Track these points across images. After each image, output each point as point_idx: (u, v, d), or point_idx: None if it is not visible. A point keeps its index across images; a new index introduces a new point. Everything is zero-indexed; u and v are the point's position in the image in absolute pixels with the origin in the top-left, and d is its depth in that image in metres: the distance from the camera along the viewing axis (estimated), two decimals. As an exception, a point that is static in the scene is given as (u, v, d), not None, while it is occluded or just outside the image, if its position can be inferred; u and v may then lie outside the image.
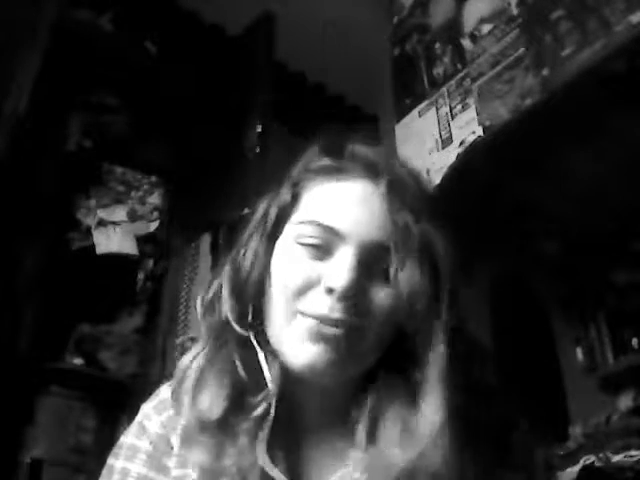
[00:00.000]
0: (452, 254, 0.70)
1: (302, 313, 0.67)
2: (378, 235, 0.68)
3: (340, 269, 0.66)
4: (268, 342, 0.69)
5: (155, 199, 2.41)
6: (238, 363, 0.68)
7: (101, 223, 2.25)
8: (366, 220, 0.69)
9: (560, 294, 2.41)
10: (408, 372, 0.66)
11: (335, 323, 0.65)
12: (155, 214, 2.38)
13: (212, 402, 0.67)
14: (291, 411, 0.70)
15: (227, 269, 0.73)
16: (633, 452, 1.85)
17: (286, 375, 0.68)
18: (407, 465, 0.61)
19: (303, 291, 0.67)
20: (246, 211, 1.88)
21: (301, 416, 0.71)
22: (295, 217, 0.72)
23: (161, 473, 0.69)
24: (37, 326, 2.00)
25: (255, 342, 0.69)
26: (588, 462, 1.86)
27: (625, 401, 2.12)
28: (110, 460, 0.73)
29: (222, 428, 0.66)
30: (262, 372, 0.68)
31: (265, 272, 0.71)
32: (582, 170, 1.89)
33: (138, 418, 0.75)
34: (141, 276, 2.29)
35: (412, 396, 0.65)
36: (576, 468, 1.84)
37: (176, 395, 0.71)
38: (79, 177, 2.29)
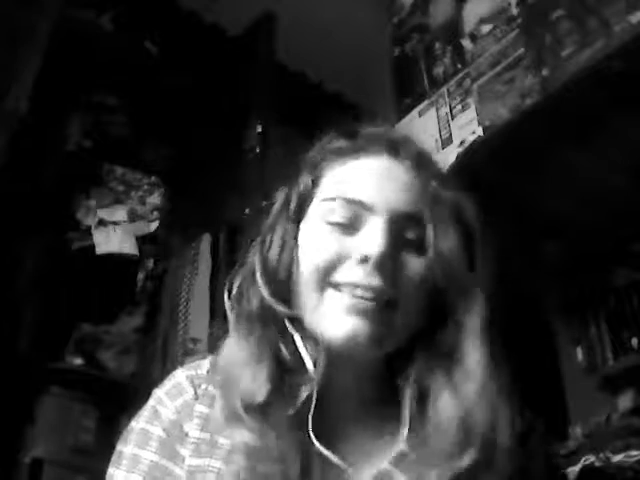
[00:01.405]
0: (481, 220, 0.71)
1: (335, 286, 0.66)
2: (406, 205, 0.68)
3: (373, 237, 0.66)
4: (302, 327, 0.68)
5: (155, 199, 2.41)
6: (282, 346, 0.67)
7: (101, 223, 2.25)
8: (393, 191, 0.69)
9: (560, 294, 2.41)
10: (447, 342, 0.66)
11: (371, 292, 0.64)
12: (155, 214, 2.38)
13: (257, 384, 0.65)
14: (329, 395, 0.69)
15: (257, 257, 0.72)
16: (633, 452, 1.85)
17: (322, 354, 0.67)
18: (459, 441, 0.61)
19: (334, 266, 0.67)
20: (248, 212, 1.88)
21: (336, 393, 0.70)
22: (319, 197, 0.72)
23: (173, 461, 0.67)
24: (37, 326, 2.00)
25: (291, 327, 0.68)
26: (588, 462, 1.86)
27: (625, 401, 2.12)
28: (120, 445, 0.71)
29: (266, 411, 0.64)
30: (299, 357, 0.67)
31: (294, 255, 0.70)
32: (582, 170, 1.89)
33: (151, 402, 0.73)
34: (141, 276, 2.29)
35: (453, 365, 0.65)
36: (576, 468, 1.84)
37: (221, 383, 0.69)
38: (79, 177, 2.29)
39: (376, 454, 0.67)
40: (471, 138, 1.80)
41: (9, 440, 1.87)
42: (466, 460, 0.60)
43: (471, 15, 1.95)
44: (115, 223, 2.27)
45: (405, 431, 0.65)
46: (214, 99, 2.45)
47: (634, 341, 2.18)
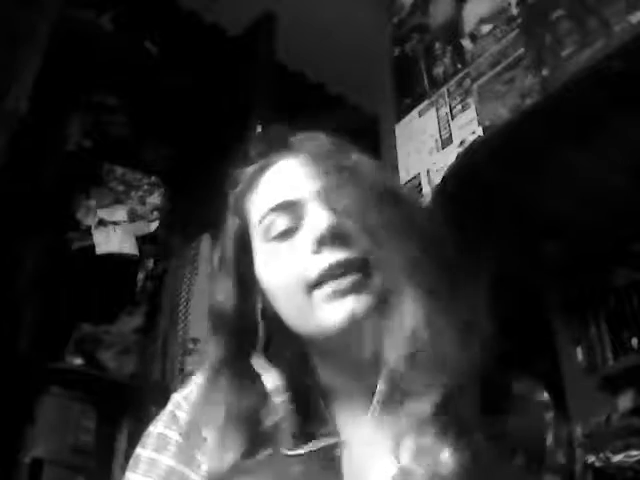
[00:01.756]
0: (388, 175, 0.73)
1: (313, 285, 0.66)
2: (325, 182, 0.70)
3: (314, 219, 0.68)
4: (269, 355, 0.70)
5: (155, 199, 2.41)
6: (239, 393, 0.68)
7: (101, 223, 2.25)
8: (306, 179, 0.71)
9: (560, 294, 2.41)
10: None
11: (343, 266, 0.65)
12: (155, 214, 2.38)
13: (230, 444, 0.66)
14: (314, 375, 0.70)
15: (209, 316, 0.74)
16: (633, 452, 1.85)
17: (307, 349, 0.68)
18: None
19: (300, 266, 0.67)
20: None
21: (325, 378, 0.71)
22: (253, 225, 0.73)
23: (190, 466, 0.67)
24: (37, 326, 2.00)
25: (256, 360, 0.69)
26: (588, 462, 1.86)
27: (625, 401, 2.12)
28: (137, 449, 0.71)
29: (248, 460, 0.64)
30: (266, 390, 0.67)
31: (248, 294, 0.71)
32: (582, 170, 1.89)
33: (169, 407, 0.73)
34: (141, 276, 2.29)
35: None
36: (576, 468, 1.84)
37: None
38: (79, 177, 2.29)
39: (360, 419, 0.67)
40: (471, 138, 1.80)
41: (9, 440, 1.87)
42: (433, 395, 0.61)
43: (471, 15, 1.95)
44: (115, 223, 2.27)
45: (381, 389, 0.65)
46: (214, 99, 2.45)
47: (634, 341, 2.18)
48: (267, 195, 0.73)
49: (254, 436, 0.66)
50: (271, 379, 0.68)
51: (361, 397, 0.68)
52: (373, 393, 0.67)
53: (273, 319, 0.71)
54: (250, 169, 0.78)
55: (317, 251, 0.66)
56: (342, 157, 0.73)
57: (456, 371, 0.61)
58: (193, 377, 0.75)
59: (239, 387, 0.68)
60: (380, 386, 0.66)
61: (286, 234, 0.69)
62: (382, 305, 0.66)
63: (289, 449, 0.64)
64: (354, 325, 0.65)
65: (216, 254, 0.78)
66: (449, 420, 0.61)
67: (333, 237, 0.66)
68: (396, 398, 0.64)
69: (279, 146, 0.77)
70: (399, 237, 0.66)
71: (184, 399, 0.72)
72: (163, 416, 0.72)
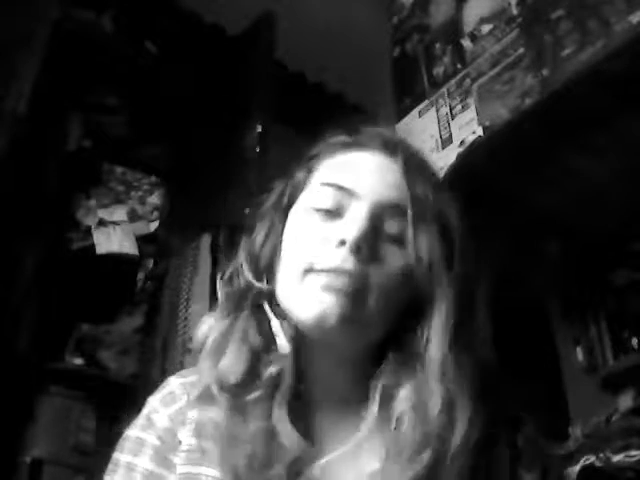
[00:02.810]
0: (464, 228, 0.73)
1: (313, 270, 0.67)
2: (393, 197, 0.70)
3: (352, 222, 0.68)
4: (281, 310, 0.70)
5: (155, 199, 2.41)
6: (252, 329, 0.69)
7: (101, 223, 2.25)
8: (380, 183, 0.71)
9: (560, 294, 2.41)
10: (416, 344, 0.67)
11: (345, 275, 0.66)
12: (155, 214, 2.38)
13: (231, 364, 0.67)
14: (305, 380, 0.70)
15: (244, 242, 0.76)
16: (633, 452, 1.85)
17: (300, 341, 0.68)
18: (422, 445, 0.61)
19: (315, 249, 0.68)
20: (248, 211, 1.88)
21: (314, 385, 0.71)
22: (310, 186, 0.74)
23: (167, 469, 0.68)
24: (37, 326, 2.00)
25: (268, 307, 0.70)
26: (588, 462, 1.86)
27: (625, 401, 2.12)
28: (115, 454, 0.72)
29: (240, 390, 0.66)
30: (275, 338, 0.68)
31: (278, 242, 0.73)
32: (582, 170, 1.89)
33: (145, 411, 0.74)
34: (141, 276, 2.29)
35: (418, 367, 0.66)
36: (576, 468, 1.84)
37: (197, 359, 0.72)
38: (79, 177, 2.29)
39: (337, 442, 0.67)
40: (471, 138, 1.80)
41: (9, 440, 1.87)
42: (422, 461, 0.61)
43: (471, 15, 1.95)
44: (115, 223, 2.27)
45: (366, 426, 0.65)
46: (214, 99, 2.45)
47: (634, 341, 2.18)
48: (336, 171, 0.74)
49: (253, 373, 0.67)
50: (279, 326, 0.69)
51: (343, 406, 0.69)
52: (358, 413, 0.67)
53: None
54: (343, 139, 0.77)
55: (337, 247, 0.67)
56: (420, 183, 0.72)
57: (450, 439, 0.61)
58: (169, 380, 0.76)
59: (255, 320, 0.70)
60: (367, 423, 0.66)
61: (326, 213, 0.70)
62: (362, 329, 0.67)
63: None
64: (326, 325, 0.65)
65: (273, 194, 0.78)
66: None
67: (358, 246, 0.66)
68: (382, 446, 0.64)
69: (385, 139, 0.76)
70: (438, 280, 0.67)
71: (159, 402, 0.73)
72: (139, 420, 0.73)
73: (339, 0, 2.63)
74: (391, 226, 0.69)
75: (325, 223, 0.70)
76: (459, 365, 0.65)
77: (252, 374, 0.67)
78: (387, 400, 0.66)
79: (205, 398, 0.68)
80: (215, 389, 0.67)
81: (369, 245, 0.67)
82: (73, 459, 1.96)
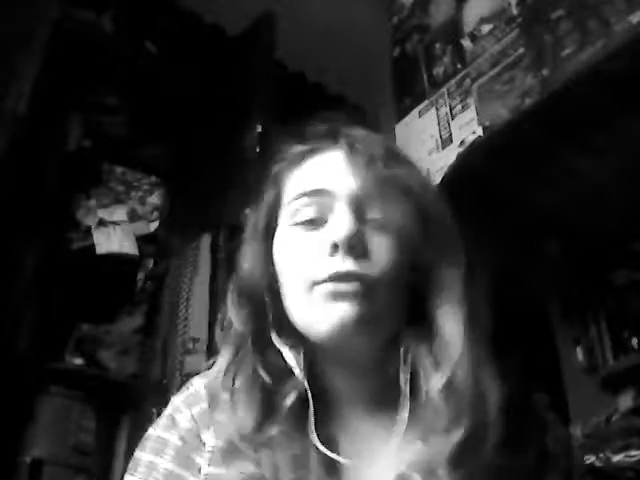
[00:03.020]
0: (437, 193, 0.74)
1: (317, 282, 0.67)
2: (362, 187, 0.70)
3: (337, 222, 0.68)
4: (289, 337, 0.69)
5: (155, 199, 2.41)
6: (259, 366, 0.68)
7: (101, 223, 2.25)
8: (349, 176, 0.71)
9: (560, 294, 2.41)
10: (428, 318, 0.67)
11: (349, 277, 0.65)
12: (155, 214, 2.38)
13: (245, 412, 0.66)
14: (329, 395, 0.70)
15: (232, 283, 0.74)
16: (633, 452, 1.85)
17: (314, 358, 0.68)
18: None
19: (312, 262, 0.68)
20: (247, 212, 1.88)
21: (339, 398, 0.70)
22: (284, 204, 0.74)
23: (189, 470, 0.67)
24: (37, 326, 2.00)
25: (276, 337, 0.69)
26: (588, 462, 1.86)
27: (625, 401, 2.12)
28: (137, 452, 0.71)
29: (260, 434, 0.65)
30: (287, 367, 0.67)
31: (270, 269, 0.72)
32: (582, 170, 1.89)
33: (168, 410, 0.73)
34: (141, 276, 2.29)
35: (434, 340, 0.66)
36: (575, 467, 1.84)
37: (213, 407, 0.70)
38: (79, 177, 2.29)
39: (377, 446, 0.67)
40: (471, 138, 1.80)
41: (9, 440, 1.87)
42: (459, 433, 0.61)
43: (471, 15, 1.95)
44: (115, 223, 2.27)
45: (404, 418, 0.65)
46: (214, 99, 2.45)
47: (634, 341, 2.18)
48: (305, 178, 0.73)
49: (270, 411, 0.66)
50: (292, 356, 0.68)
51: (381, 426, 0.68)
52: (389, 414, 0.66)
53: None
54: (299, 148, 0.77)
55: (331, 254, 0.67)
56: (390, 165, 0.72)
57: (484, 409, 0.61)
58: (193, 380, 0.75)
59: (260, 356, 0.69)
60: (402, 414, 0.65)
61: (310, 224, 0.70)
62: (378, 323, 0.66)
63: (311, 436, 0.64)
64: (345, 331, 0.65)
65: (249, 222, 0.78)
66: (464, 464, 0.60)
67: (350, 246, 0.66)
68: (418, 431, 0.64)
69: (334, 135, 0.76)
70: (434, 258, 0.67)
71: (183, 402, 0.72)
72: (162, 419, 0.72)
73: (339, 0, 2.63)
74: (373, 213, 0.69)
75: (312, 233, 0.69)
76: (475, 337, 0.65)
77: (270, 412, 0.66)
78: (416, 396, 0.65)
79: (231, 452, 0.66)
80: (237, 441, 0.65)
81: (360, 240, 0.67)
82: (73, 459, 1.96)
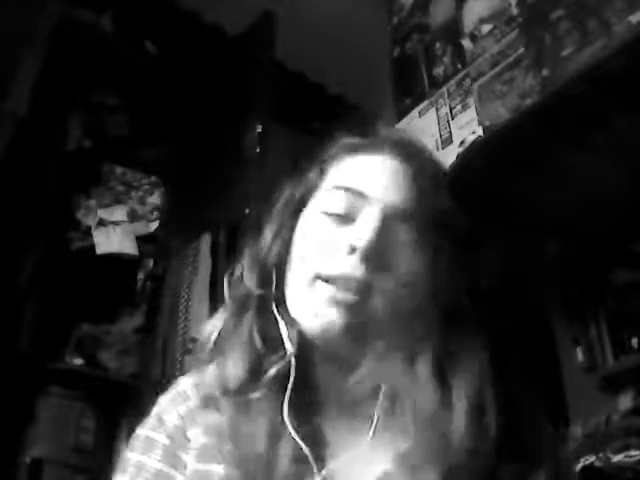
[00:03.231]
0: (470, 232, 0.73)
1: (322, 277, 0.67)
2: (404, 202, 0.69)
3: (364, 227, 0.67)
4: (287, 311, 0.70)
5: (155, 199, 2.41)
6: (256, 330, 0.69)
7: (101, 223, 2.25)
8: (394, 188, 0.70)
9: (560, 294, 2.41)
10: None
11: (355, 283, 0.65)
12: (155, 214, 2.38)
13: (234, 367, 0.68)
14: (311, 383, 0.70)
15: (249, 244, 0.76)
16: (633, 452, 1.85)
17: (304, 344, 0.68)
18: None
19: (326, 255, 0.68)
20: (248, 212, 1.88)
21: (321, 388, 0.71)
22: (322, 188, 0.74)
23: (177, 469, 0.68)
24: (37, 326, 2.00)
25: (275, 310, 0.70)
26: (588, 462, 1.86)
27: (625, 401, 2.12)
28: (126, 452, 0.71)
29: (243, 392, 0.66)
30: (280, 338, 0.68)
31: (288, 244, 0.73)
32: (582, 170, 1.89)
33: (155, 410, 0.74)
34: (141, 276, 2.29)
35: (438, 381, 0.65)
36: (576, 468, 1.84)
37: (199, 361, 0.73)
38: (79, 177, 2.29)
39: (340, 446, 0.67)
40: (471, 138, 1.80)
41: (9, 440, 1.87)
42: (440, 429, 0.61)
43: (471, 15, 1.95)
44: (115, 223, 2.27)
45: (373, 429, 0.65)
46: (214, 99, 2.45)
47: (634, 341, 2.18)
48: (349, 173, 0.73)
49: (256, 374, 0.67)
50: (285, 327, 0.69)
51: (358, 423, 0.68)
52: (368, 415, 0.67)
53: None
54: (357, 141, 0.77)
55: (348, 253, 0.67)
56: (433, 189, 0.72)
57: (465, 449, 0.61)
58: (180, 380, 0.76)
59: (260, 321, 0.70)
60: (377, 415, 0.66)
61: (338, 218, 0.70)
62: (371, 335, 0.66)
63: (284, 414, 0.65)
64: (331, 335, 0.66)
65: (284, 194, 0.78)
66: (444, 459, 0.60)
67: (367, 253, 0.66)
68: (395, 427, 0.64)
69: (391, 141, 0.76)
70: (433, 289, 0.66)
71: (170, 402, 0.73)
72: (150, 419, 0.73)
73: (339, 0, 2.63)
74: (402, 231, 0.68)
75: (336, 228, 0.69)
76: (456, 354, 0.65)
77: (256, 375, 0.67)
78: (393, 399, 0.65)
79: (209, 400, 0.68)
80: (218, 392, 0.68)
81: (379, 252, 0.66)
82: (73, 459, 1.96)
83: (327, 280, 0.67)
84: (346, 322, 0.65)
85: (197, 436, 0.69)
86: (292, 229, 0.73)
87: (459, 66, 1.93)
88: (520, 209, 2.00)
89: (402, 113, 2.10)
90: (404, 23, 2.24)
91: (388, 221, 0.68)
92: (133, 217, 2.33)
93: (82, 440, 1.98)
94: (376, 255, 0.66)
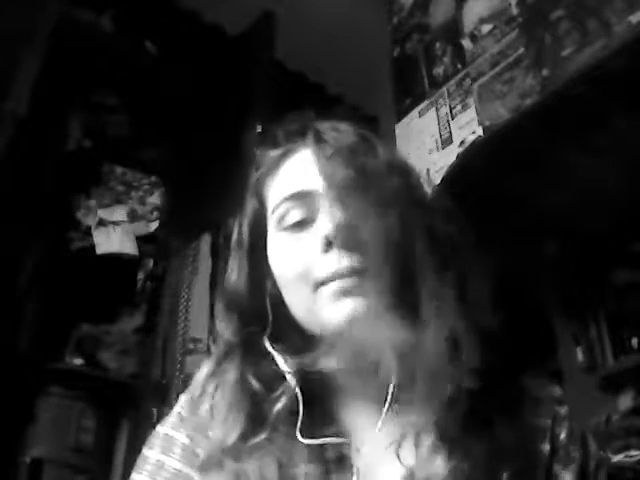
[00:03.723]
0: (416, 172, 0.73)
1: (321, 283, 0.66)
2: (337, 179, 0.68)
3: (324, 217, 0.67)
4: (284, 341, 0.69)
5: (155, 199, 2.41)
6: (250, 375, 0.68)
7: (101, 223, 2.25)
8: (320, 172, 0.70)
9: (560, 294, 2.41)
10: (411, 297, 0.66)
11: (349, 271, 0.65)
12: (155, 214, 2.38)
13: (232, 422, 0.66)
14: (325, 397, 0.69)
15: (220, 293, 0.74)
16: (633, 452, 1.85)
17: (320, 360, 0.67)
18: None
19: (309, 263, 0.67)
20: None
21: (336, 398, 0.70)
22: (268, 209, 0.74)
23: (195, 468, 0.67)
24: (37, 326, 2.00)
25: (268, 344, 0.69)
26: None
27: (625, 401, 2.12)
28: (144, 450, 0.71)
29: (244, 442, 0.64)
30: (278, 373, 0.67)
31: (259, 278, 0.72)
32: (582, 170, 1.89)
33: (176, 408, 0.73)
34: (141, 276, 2.29)
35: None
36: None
37: (194, 415, 0.70)
38: (79, 177, 2.29)
39: (366, 429, 0.67)
40: (471, 138, 1.80)
41: (9, 440, 1.87)
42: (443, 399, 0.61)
43: (471, 15, 1.95)
44: (115, 223, 2.27)
45: (382, 421, 0.65)
46: (214, 99, 2.45)
47: (634, 341, 2.18)
48: (284, 183, 0.73)
49: (259, 418, 0.65)
50: (283, 361, 0.68)
51: (372, 399, 0.68)
52: (385, 398, 0.66)
53: (283, 306, 0.71)
54: (273, 153, 0.76)
55: (326, 250, 0.66)
56: (368, 154, 0.71)
57: (455, 383, 0.61)
58: (196, 375, 0.75)
59: (250, 365, 0.69)
60: (390, 393, 0.66)
61: (299, 225, 0.69)
62: (383, 310, 0.65)
63: (297, 436, 0.64)
64: (355, 325, 0.65)
65: (233, 235, 0.77)
66: (445, 430, 0.61)
67: (342, 239, 0.65)
68: (402, 404, 0.64)
69: (304, 133, 0.75)
70: (416, 247, 0.66)
71: (191, 400, 0.72)
72: (170, 417, 0.72)
73: (339, 0, 2.63)
74: (356, 203, 0.67)
75: (303, 234, 0.69)
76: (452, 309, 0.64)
77: (256, 420, 0.65)
78: (406, 366, 0.65)
79: (212, 464, 0.66)
80: (220, 454, 0.65)
81: (350, 230, 0.66)
82: (73, 459, 1.96)
83: (325, 282, 0.66)
84: (364, 305, 0.64)
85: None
86: (256, 262, 0.72)
87: (459, 66, 1.93)
88: (520, 209, 2.00)
89: (402, 113, 2.10)
90: (404, 23, 2.24)
91: (341, 201, 0.67)
92: (133, 217, 2.33)
93: (82, 440, 1.98)
94: (349, 234, 0.65)
